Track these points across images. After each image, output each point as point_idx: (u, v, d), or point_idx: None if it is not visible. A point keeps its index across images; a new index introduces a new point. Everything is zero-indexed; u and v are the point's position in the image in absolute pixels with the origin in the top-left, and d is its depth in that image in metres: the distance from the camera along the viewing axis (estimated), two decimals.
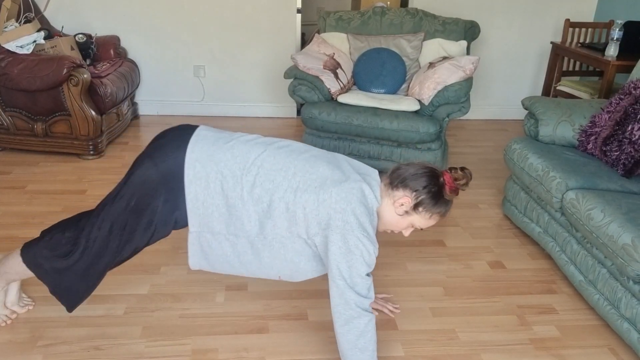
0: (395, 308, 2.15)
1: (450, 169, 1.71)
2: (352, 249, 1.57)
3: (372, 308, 2.25)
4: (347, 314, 1.62)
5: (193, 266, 1.76)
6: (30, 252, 1.78)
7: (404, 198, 1.66)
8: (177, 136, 1.68)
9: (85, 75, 3.29)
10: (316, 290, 2.28)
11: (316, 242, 1.63)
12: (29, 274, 1.82)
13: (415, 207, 1.67)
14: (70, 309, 1.83)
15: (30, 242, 1.81)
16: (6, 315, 1.97)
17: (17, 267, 1.81)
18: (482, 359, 1.94)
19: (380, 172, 1.82)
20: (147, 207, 1.65)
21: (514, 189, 2.83)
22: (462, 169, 1.71)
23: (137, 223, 1.67)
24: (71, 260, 1.72)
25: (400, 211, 1.68)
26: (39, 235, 1.82)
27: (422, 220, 1.71)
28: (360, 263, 1.59)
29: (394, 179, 1.70)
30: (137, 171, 1.66)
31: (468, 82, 3.14)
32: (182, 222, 1.70)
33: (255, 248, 1.67)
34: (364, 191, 1.62)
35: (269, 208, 1.61)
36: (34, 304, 2.07)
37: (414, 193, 1.65)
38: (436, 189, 1.66)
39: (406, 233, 1.78)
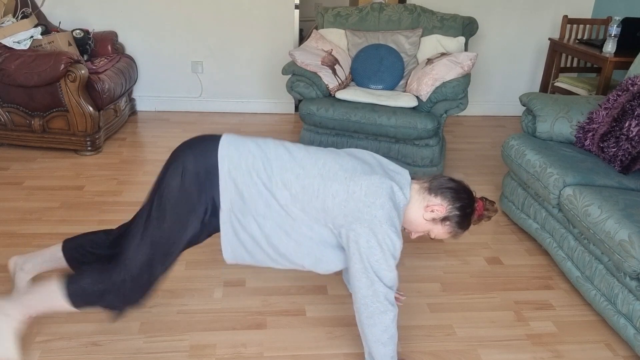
0: (401, 295, 2.14)
1: (483, 198, 1.79)
2: (380, 243, 1.59)
3: None
4: (374, 306, 1.65)
5: (225, 252, 1.72)
6: (77, 286, 1.65)
7: (439, 207, 1.70)
8: (208, 136, 1.71)
9: (82, 71, 3.28)
10: (314, 286, 2.29)
11: (341, 233, 1.65)
12: (62, 309, 1.69)
13: (444, 219, 1.71)
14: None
15: (73, 278, 1.67)
16: None
17: (57, 302, 1.66)
18: (480, 355, 1.95)
19: (416, 175, 1.84)
20: (194, 202, 1.65)
21: (512, 185, 2.84)
22: (492, 202, 1.80)
23: (185, 221, 1.65)
24: (127, 273, 1.65)
25: (428, 216, 1.72)
26: (77, 272, 1.70)
27: (441, 232, 1.75)
28: (388, 256, 1.61)
29: (434, 186, 1.73)
30: (179, 161, 1.64)
31: (466, 78, 3.14)
32: (214, 216, 1.69)
33: (283, 230, 1.67)
34: (393, 188, 1.64)
35: (298, 193, 1.63)
36: None
37: (450, 207, 1.70)
38: (469, 211, 1.73)
39: (415, 236, 1.81)
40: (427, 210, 1.71)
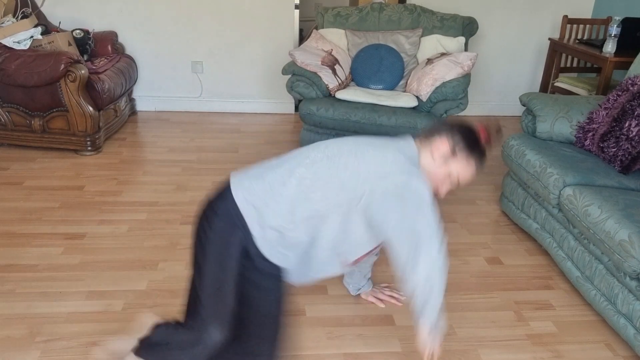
0: (400, 295, 2.11)
1: (485, 123, 1.71)
2: (407, 194, 1.52)
3: (377, 298, 2.20)
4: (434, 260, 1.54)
5: (289, 267, 1.66)
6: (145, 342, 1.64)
7: (442, 143, 1.64)
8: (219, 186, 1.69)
9: (82, 71, 3.28)
10: (314, 287, 2.28)
11: (367, 204, 1.56)
12: None
13: (453, 151, 1.64)
14: None
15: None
16: None
17: None
18: (480, 355, 1.95)
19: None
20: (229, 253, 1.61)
21: (512, 185, 2.84)
22: (492, 123, 1.72)
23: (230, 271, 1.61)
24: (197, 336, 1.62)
25: (437, 158, 1.65)
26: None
27: (460, 166, 1.66)
28: (421, 206, 1.52)
29: (429, 132, 1.69)
30: (205, 224, 1.62)
31: (466, 78, 3.14)
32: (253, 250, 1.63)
33: (314, 228, 1.61)
34: (398, 143, 1.63)
35: (312, 181, 1.58)
36: None
37: (450, 136, 1.64)
38: (471, 134, 1.66)
39: (443, 191, 1.71)
40: (434, 154, 1.64)
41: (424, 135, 1.71)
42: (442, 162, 1.65)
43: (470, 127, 1.68)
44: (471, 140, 1.66)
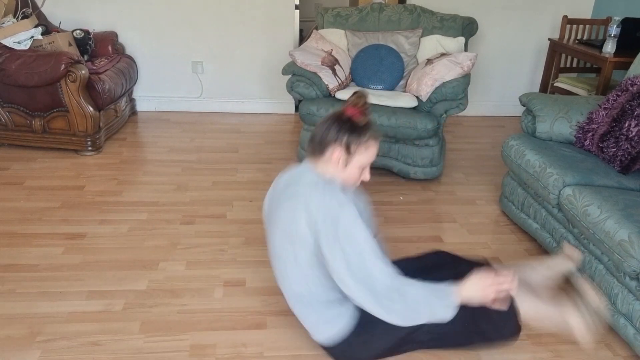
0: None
1: (348, 101, 1.75)
2: (341, 235, 1.61)
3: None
4: (385, 304, 1.64)
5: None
6: None
7: (335, 153, 1.69)
8: None
9: (83, 71, 3.28)
10: None
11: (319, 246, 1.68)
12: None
13: (348, 151, 1.70)
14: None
15: None
16: None
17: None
18: (480, 355, 1.95)
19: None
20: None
21: (511, 185, 2.84)
22: (354, 94, 1.76)
23: None
24: None
25: (341, 165, 1.72)
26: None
27: (363, 155, 1.72)
28: (355, 228, 1.63)
29: (315, 148, 1.74)
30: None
31: (466, 78, 3.14)
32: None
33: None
34: (307, 186, 1.72)
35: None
36: None
37: (337, 142, 1.69)
38: (349, 125, 1.70)
39: (365, 176, 1.78)
40: (338, 166, 1.72)
41: (312, 152, 1.76)
42: (345, 164, 1.72)
43: (343, 119, 1.71)
44: (350, 128, 1.69)
